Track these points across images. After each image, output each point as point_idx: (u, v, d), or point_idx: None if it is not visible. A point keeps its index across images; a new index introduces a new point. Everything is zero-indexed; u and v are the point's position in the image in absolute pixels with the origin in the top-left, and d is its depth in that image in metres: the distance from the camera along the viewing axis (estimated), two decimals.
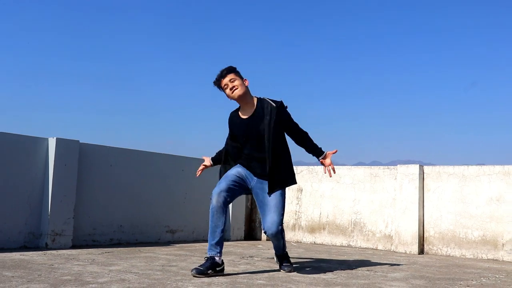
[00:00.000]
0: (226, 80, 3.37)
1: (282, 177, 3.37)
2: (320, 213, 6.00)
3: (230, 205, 5.92)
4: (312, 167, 6.20)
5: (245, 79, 3.43)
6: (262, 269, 3.48)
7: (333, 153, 3.49)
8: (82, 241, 4.61)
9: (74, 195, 4.49)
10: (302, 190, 6.16)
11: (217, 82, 3.42)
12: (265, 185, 3.35)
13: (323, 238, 5.93)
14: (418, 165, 5.37)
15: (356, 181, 5.81)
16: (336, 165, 6.41)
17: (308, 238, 6.03)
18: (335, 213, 5.89)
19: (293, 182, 3.46)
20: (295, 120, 3.49)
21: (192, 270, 3.06)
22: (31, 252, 3.89)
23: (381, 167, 5.72)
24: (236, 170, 3.40)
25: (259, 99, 3.44)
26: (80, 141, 4.62)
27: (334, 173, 3.48)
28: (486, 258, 4.88)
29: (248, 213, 6.35)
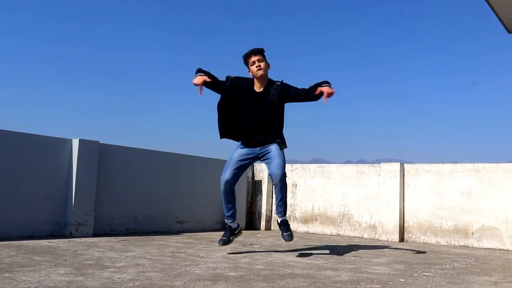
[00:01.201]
0: (255, 58, 3.45)
1: (279, 139, 3.49)
2: (313, 206, 6.03)
3: None
4: (305, 165, 6.23)
5: (269, 63, 3.51)
6: (261, 255, 3.49)
7: (329, 92, 3.32)
8: (101, 230, 4.63)
9: (94, 190, 4.51)
10: (296, 186, 6.18)
11: (247, 57, 3.48)
12: (267, 147, 3.47)
13: (315, 228, 5.95)
14: (399, 163, 5.39)
15: (344, 177, 5.83)
16: (327, 163, 6.44)
17: (302, 228, 6.05)
18: (326, 206, 5.92)
19: (285, 145, 3.54)
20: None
21: (218, 242, 3.58)
22: (57, 240, 3.92)
23: (367, 165, 5.74)
24: (238, 153, 3.52)
25: (269, 79, 3.52)
26: (100, 142, 4.65)
27: (330, 96, 3.33)
28: (458, 245, 4.91)
29: (249, 206, 6.38)
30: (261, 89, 3.49)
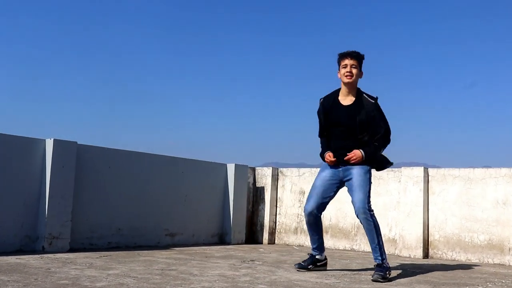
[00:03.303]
0: (349, 62, 3.63)
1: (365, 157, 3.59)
2: (323, 216, 5.95)
3: (231, 209, 5.95)
4: (314, 169, 6.18)
5: (362, 72, 3.69)
6: (264, 273, 3.47)
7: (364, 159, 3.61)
8: (79, 244, 4.60)
9: (71, 198, 4.48)
10: (304, 193, 6.14)
11: (341, 58, 3.68)
12: (350, 169, 3.61)
13: (326, 241, 5.87)
14: (422, 167, 5.36)
15: None
16: None
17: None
18: (338, 216, 5.88)
19: (383, 165, 3.79)
20: (387, 119, 3.69)
21: (295, 265, 3.76)
22: (27, 256, 3.88)
23: (385, 169, 5.70)
24: (323, 177, 3.71)
25: (358, 91, 3.68)
26: (78, 143, 4.62)
27: (350, 161, 3.61)
28: (492, 262, 4.86)
29: (249, 216, 6.34)
30: (350, 103, 3.64)
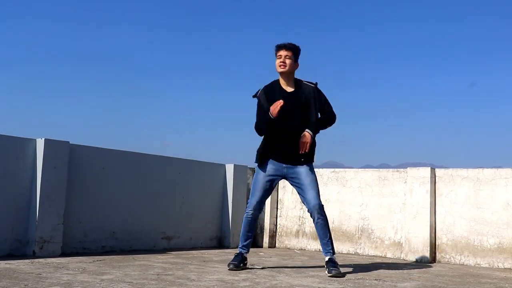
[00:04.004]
0: (283, 53, 3.90)
1: (310, 153, 3.90)
2: None
3: (230, 212, 5.95)
4: (316, 169, 6.18)
5: (298, 64, 3.98)
6: (264, 278, 3.46)
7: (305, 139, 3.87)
8: (72, 248, 4.59)
9: (63, 200, 4.47)
10: None
11: (277, 49, 3.93)
12: (296, 168, 3.89)
13: None
14: (429, 167, 5.35)
15: (363, 184, 5.79)
16: (342, 167, 6.40)
17: (312, 246, 6.01)
18: (341, 219, 5.87)
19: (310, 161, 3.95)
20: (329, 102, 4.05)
21: (228, 265, 3.84)
22: (17, 261, 3.87)
23: (390, 170, 5.71)
24: (264, 174, 3.94)
25: (296, 79, 3.99)
26: (71, 142, 4.61)
27: (306, 151, 3.88)
28: (502, 267, 4.85)
29: None
30: (292, 90, 3.95)
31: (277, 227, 6.32)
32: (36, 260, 3.98)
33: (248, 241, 4.00)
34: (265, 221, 6.26)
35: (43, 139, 4.39)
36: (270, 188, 3.98)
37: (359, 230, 5.74)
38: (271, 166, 3.93)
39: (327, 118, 3.99)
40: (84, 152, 4.76)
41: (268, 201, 6.27)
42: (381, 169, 5.80)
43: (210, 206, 5.90)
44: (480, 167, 5.17)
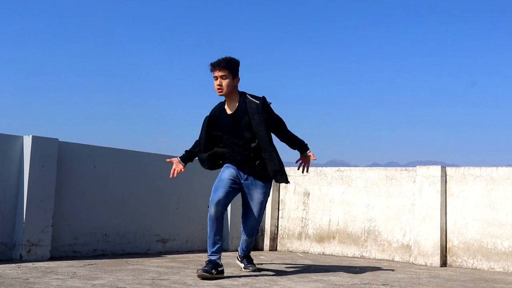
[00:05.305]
0: (218, 73, 3.81)
1: (267, 172, 3.89)
2: (330, 220, 5.99)
3: (229, 213, 5.95)
4: (320, 168, 6.19)
5: (238, 78, 3.87)
6: (264, 283, 3.47)
7: (312, 158, 4.19)
8: (61, 252, 4.59)
9: (52, 201, 4.47)
10: (309, 195, 6.14)
11: (211, 69, 3.86)
12: (257, 184, 3.93)
13: (332, 248, 5.91)
14: (440, 166, 5.35)
15: (370, 184, 5.79)
16: (348, 166, 6.40)
17: (316, 249, 6.01)
18: (346, 220, 5.88)
19: (282, 179, 3.92)
20: (279, 116, 4.00)
21: (197, 271, 3.56)
22: (3, 265, 3.87)
23: (398, 168, 5.70)
24: (229, 172, 3.91)
25: (241, 94, 3.88)
26: (60, 140, 4.61)
27: (307, 172, 4.27)
28: None
29: None
30: (233, 110, 3.87)
31: (279, 229, 6.33)
32: (24, 264, 3.98)
33: (216, 247, 3.73)
34: (266, 222, 6.26)
35: (31, 136, 4.38)
36: (234, 189, 3.96)
37: (365, 232, 5.74)
38: (233, 170, 3.96)
39: (298, 140, 4.15)
40: (74, 150, 4.75)
41: (269, 202, 6.27)
42: (388, 168, 5.79)
43: (207, 208, 5.90)
44: (494, 166, 5.17)
